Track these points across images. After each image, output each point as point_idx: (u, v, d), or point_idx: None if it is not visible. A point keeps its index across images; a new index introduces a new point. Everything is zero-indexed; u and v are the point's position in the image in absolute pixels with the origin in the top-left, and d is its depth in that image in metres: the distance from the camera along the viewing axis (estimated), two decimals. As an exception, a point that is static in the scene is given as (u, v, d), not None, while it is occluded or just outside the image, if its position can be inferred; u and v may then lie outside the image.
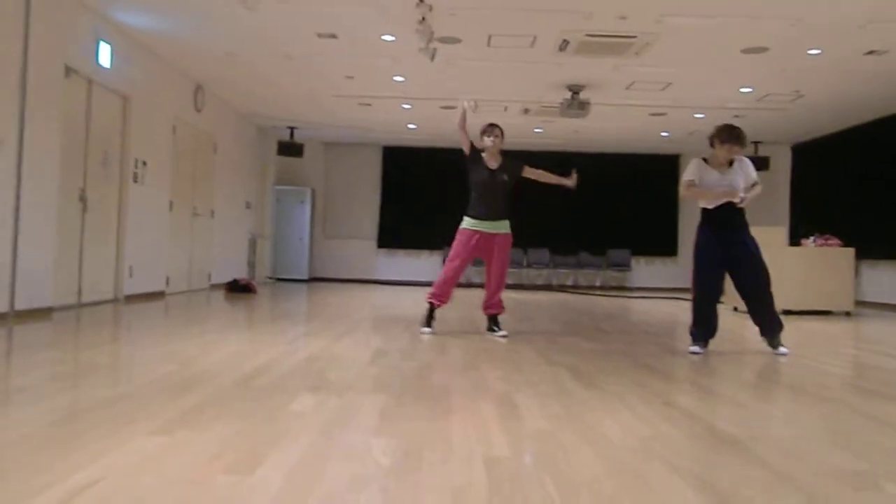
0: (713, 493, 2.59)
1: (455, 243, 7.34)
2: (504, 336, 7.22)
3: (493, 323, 7.44)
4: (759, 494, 2.60)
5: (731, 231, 6.36)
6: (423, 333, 7.21)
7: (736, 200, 6.27)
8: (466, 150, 7.32)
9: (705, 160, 6.41)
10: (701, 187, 6.34)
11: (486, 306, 7.48)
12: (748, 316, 6.54)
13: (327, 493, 2.48)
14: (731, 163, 6.35)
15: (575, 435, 3.37)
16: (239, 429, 3.31)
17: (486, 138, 7.27)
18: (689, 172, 6.42)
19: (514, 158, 7.46)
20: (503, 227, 7.32)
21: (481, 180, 7.26)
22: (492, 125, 7.33)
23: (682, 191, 6.50)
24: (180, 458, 2.84)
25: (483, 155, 7.31)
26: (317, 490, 2.49)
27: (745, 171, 6.37)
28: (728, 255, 6.35)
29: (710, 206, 6.38)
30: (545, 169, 7.50)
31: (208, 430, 3.27)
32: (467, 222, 7.32)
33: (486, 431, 3.39)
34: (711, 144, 6.40)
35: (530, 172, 7.40)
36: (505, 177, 7.28)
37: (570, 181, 7.32)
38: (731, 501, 2.50)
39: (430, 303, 7.42)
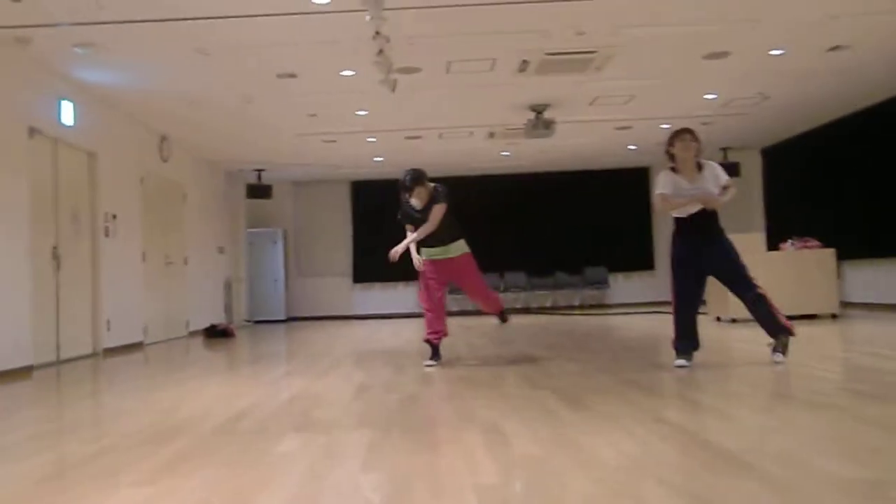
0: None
1: (422, 277, 7.37)
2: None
3: (502, 317, 7.76)
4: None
5: (706, 238, 6.22)
6: (427, 366, 7.00)
7: (712, 205, 6.18)
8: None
9: (673, 169, 6.27)
10: (674, 198, 6.21)
11: (488, 311, 7.81)
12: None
13: (318, 538, 2.41)
14: (700, 168, 6.25)
15: (566, 458, 3.30)
16: (225, 474, 3.24)
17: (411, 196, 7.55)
18: (661, 185, 6.27)
19: (439, 193, 7.46)
20: (457, 248, 7.32)
21: (414, 221, 7.53)
22: (415, 185, 7.52)
23: (658, 204, 6.34)
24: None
25: (412, 202, 7.57)
26: (307, 536, 2.42)
27: (714, 174, 6.22)
28: (704, 263, 6.23)
29: (684, 215, 6.24)
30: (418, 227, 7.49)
31: (193, 477, 3.20)
32: (424, 253, 7.44)
33: (475, 461, 3.33)
34: (669, 155, 6.28)
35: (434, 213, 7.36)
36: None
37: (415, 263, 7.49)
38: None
39: (430, 341, 7.21)
